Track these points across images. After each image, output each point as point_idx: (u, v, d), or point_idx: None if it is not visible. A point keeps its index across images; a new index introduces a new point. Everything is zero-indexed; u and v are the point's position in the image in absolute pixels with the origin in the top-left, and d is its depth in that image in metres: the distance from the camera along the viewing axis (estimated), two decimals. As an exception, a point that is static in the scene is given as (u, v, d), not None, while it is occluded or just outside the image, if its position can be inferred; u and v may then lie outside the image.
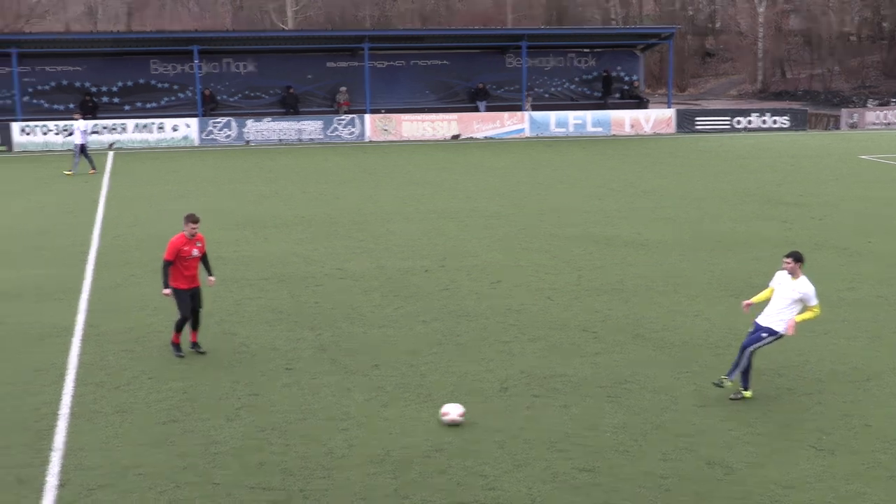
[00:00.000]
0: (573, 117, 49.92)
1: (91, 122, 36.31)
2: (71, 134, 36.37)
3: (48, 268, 19.56)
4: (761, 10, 79.80)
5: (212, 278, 14.20)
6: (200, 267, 13.98)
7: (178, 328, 13.78)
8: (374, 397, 12.11)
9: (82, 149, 35.35)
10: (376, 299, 16.84)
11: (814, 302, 11.75)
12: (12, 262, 20.14)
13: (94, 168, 35.18)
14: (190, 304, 13.68)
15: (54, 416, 11.58)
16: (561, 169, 35.25)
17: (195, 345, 13.97)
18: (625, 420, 11.29)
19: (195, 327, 13.97)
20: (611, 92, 52.46)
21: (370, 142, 47.41)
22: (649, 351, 13.91)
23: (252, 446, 10.63)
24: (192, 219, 13.79)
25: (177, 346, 13.80)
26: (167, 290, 13.66)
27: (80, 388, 12.51)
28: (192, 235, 13.73)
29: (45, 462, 10.27)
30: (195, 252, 13.75)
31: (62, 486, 9.72)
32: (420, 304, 16.50)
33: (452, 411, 11.22)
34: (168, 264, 13.58)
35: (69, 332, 15.04)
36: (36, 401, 12.09)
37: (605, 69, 52.81)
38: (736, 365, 11.85)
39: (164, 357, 13.72)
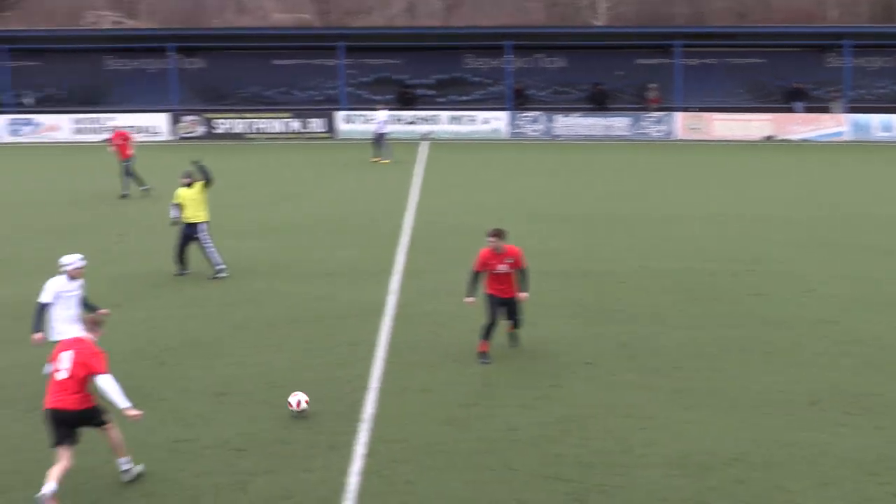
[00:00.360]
0: (900, 121, 46.73)
1: (386, 114, 37.86)
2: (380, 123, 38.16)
3: (364, 248, 20.60)
4: None
5: (523, 294, 13.40)
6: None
7: (484, 335, 13.29)
8: (675, 399, 11.86)
9: (379, 138, 37.04)
10: (680, 299, 16.49)
11: None
12: (332, 243, 21.37)
13: (380, 158, 36.64)
14: (498, 311, 13.26)
15: (364, 389, 12.16)
16: (883, 178, 33.08)
17: (512, 335, 13.81)
18: (950, 447, 10.43)
19: (516, 326, 13.76)
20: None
21: (679, 140, 46.53)
22: (980, 375, 12.77)
23: (550, 437, 10.69)
24: (490, 233, 13.19)
25: (483, 354, 13.26)
26: (469, 299, 13.35)
27: (389, 365, 13.08)
28: (498, 250, 13.14)
29: (354, 431, 10.80)
30: (502, 268, 13.14)
31: (369, 455, 10.18)
32: (726, 307, 15.99)
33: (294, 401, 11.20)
34: (476, 275, 13.28)
35: (381, 311, 15.75)
36: (349, 373, 12.75)
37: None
38: None
39: (469, 342, 14.04)
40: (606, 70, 50.00)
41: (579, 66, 50.38)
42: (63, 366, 9.28)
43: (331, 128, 47.28)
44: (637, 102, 49.78)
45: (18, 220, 24.62)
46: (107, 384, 9.23)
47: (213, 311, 15.81)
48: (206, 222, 18.34)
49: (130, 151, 28.65)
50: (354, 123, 47.23)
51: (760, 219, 24.21)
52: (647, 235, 22.03)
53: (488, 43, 50.14)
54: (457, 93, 50.68)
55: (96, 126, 47.47)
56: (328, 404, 11.59)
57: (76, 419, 9.25)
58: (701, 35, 52.44)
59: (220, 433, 10.72)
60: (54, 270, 12.12)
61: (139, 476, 9.63)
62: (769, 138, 46.39)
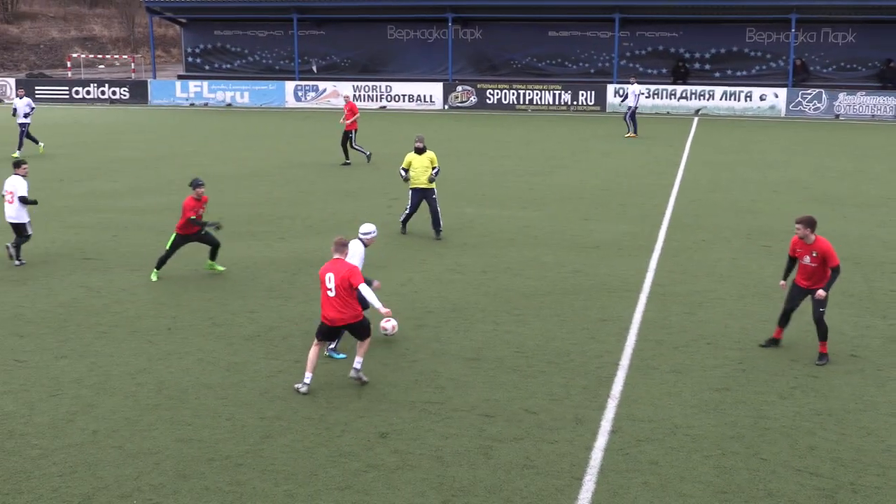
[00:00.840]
0: None
1: (639, 88, 37.12)
2: (625, 98, 37.53)
3: (625, 224, 20.45)
4: None
5: (820, 292, 12.32)
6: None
7: (779, 321, 12.86)
8: (947, 400, 11.10)
9: (632, 112, 36.41)
10: (962, 295, 15.36)
11: None
12: (594, 216, 21.35)
13: (634, 132, 36.04)
14: (795, 299, 12.67)
15: (614, 365, 12.12)
16: None
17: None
18: None
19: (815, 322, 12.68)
20: None
21: (977, 123, 43.11)
22: None
23: (804, 428, 10.28)
24: (797, 220, 12.58)
25: (822, 355, 12.37)
26: (781, 283, 12.97)
27: (640, 343, 12.96)
28: (806, 240, 12.39)
29: (601, 407, 10.80)
30: (807, 259, 12.45)
31: (614, 432, 10.16)
32: None
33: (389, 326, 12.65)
34: (790, 260, 12.72)
35: (637, 287, 15.62)
36: (599, 348, 12.74)
37: None
38: None
39: (724, 324, 13.73)
40: (900, 46, 46.97)
41: (869, 41, 47.57)
42: (330, 285, 11.08)
43: (601, 101, 47.03)
44: (933, 81, 46.49)
45: (305, 182, 26.11)
46: (364, 292, 11.01)
47: (473, 278, 16.19)
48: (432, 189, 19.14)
49: (355, 125, 29.67)
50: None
51: None
52: (932, 224, 20.64)
53: (773, 16, 48.17)
54: (734, 67, 49.08)
55: (374, 94, 49.45)
56: (577, 378, 11.64)
57: (342, 329, 11.43)
58: None
59: (469, 398, 11.01)
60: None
61: (363, 383, 11.36)
62: None
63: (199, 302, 14.81)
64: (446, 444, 9.83)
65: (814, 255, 12.44)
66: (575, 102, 47.24)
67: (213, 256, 16.48)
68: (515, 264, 17.05)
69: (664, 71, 49.28)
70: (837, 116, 44.77)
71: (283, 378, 11.54)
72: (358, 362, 11.36)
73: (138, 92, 53.12)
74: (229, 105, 51.40)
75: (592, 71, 50.47)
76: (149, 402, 10.85)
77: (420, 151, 19.05)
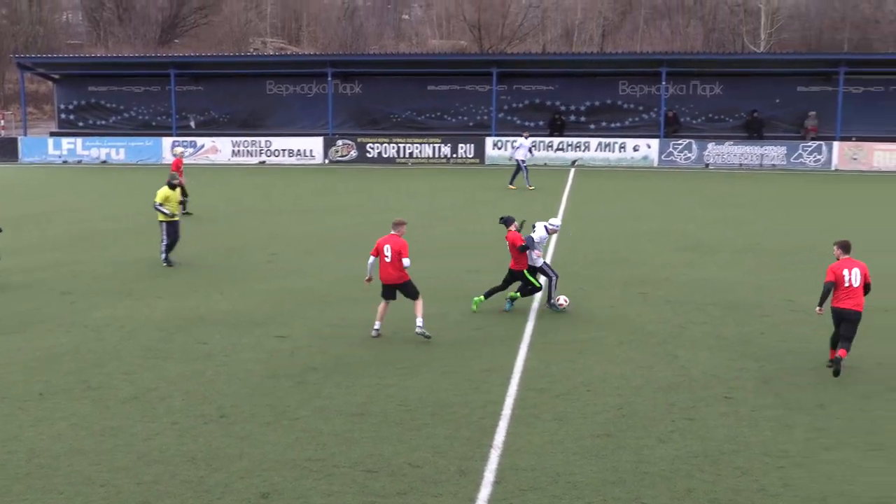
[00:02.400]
0: None
1: (528, 141, 38.02)
2: (517, 150, 38.29)
3: (503, 273, 20.62)
4: None
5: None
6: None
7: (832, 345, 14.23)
8: (816, 438, 11.46)
9: (522, 165, 37.20)
10: (826, 336, 15.91)
11: None
12: (483, 268, 21.52)
13: (515, 185, 36.79)
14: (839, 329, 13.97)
15: (497, 415, 12.18)
16: None
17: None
18: None
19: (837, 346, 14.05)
20: None
21: (836, 170, 45.09)
22: None
23: (683, 471, 10.48)
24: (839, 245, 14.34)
25: (832, 361, 13.90)
26: (819, 309, 14.09)
27: (522, 392, 13.07)
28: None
29: (484, 458, 10.82)
30: (848, 276, 13.87)
31: (498, 482, 10.19)
32: (877, 346, 15.36)
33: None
34: (828, 286, 13.90)
35: (518, 337, 15.78)
36: (483, 399, 12.80)
37: None
38: None
39: (604, 370, 13.96)
40: (764, 98, 48.96)
41: (735, 94, 49.48)
42: (387, 254, 15.26)
43: (480, 153, 47.68)
44: (794, 131, 48.51)
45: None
46: (407, 263, 15.25)
47: (357, 332, 16.11)
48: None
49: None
50: (503, 150, 47.48)
51: (921, 254, 23.20)
52: (798, 268, 21.41)
53: (644, 69, 49.77)
54: (608, 119, 50.40)
55: (253, 149, 49.19)
56: (461, 430, 11.66)
57: (397, 288, 15.54)
58: (868, 62, 50.78)
59: (352, 454, 10.91)
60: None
61: (427, 338, 15.29)
62: (936, 169, 44.46)
63: (73, 364, 14.38)
64: (329, 501, 9.71)
65: (856, 270, 14.01)
66: (455, 155, 47.79)
67: None
68: (400, 317, 17.04)
69: (541, 123, 50.29)
70: (707, 165, 46.28)
71: (160, 440, 11.26)
72: (419, 321, 15.34)
73: (8, 149, 51.66)
74: (104, 162, 50.42)
75: (471, 124, 51.17)
76: (19, 470, 10.45)
77: (173, 187, 21.74)
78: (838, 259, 14.15)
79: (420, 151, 48.15)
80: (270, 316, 17.23)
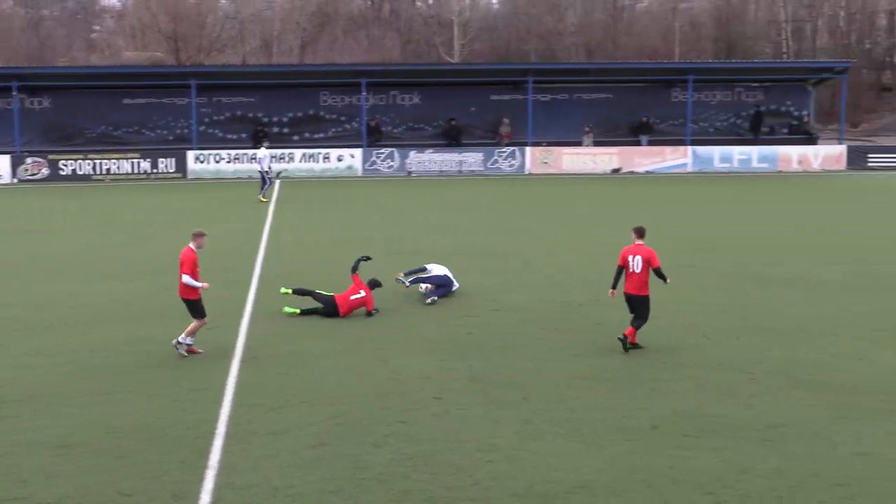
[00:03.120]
0: (738, 152, 48.90)
1: (268, 152, 37.78)
2: (261, 160, 37.67)
3: (216, 290, 20.18)
4: (944, 42, 76.39)
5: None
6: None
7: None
8: (523, 430, 12.02)
9: (263, 175, 36.89)
10: (530, 331, 16.77)
11: None
12: (171, 285, 20.94)
13: (264, 196, 36.56)
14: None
15: (211, 434, 11.92)
16: (723, 205, 34.47)
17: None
18: (779, 465, 10.85)
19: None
20: (761, 129, 51.11)
21: (530, 174, 47.50)
22: (808, 395, 13.36)
23: (399, 473, 10.69)
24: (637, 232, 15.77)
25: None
26: (612, 292, 15.71)
27: (236, 409, 12.87)
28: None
29: (200, 479, 10.56)
30: (632, 262, 15.48)
31: (215, 503, 9.98)
32: (573, 337, 16.33)
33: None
34: (618, 270, 15.58)
35: (230, 353, 15.52)
36: (195, 419, 12.49)
37: (756, 106, 51.58)
38: None
39: (319, 381, 14.00)
40: (461, 106, 50.76)
41: (433, 103, 51.01)
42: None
43: (182, 168, 46.57)
44: (490, 138, 50.64)
45: None
46: (185, 280, 15.15)
47: (58, 360, 15.29)
48: None
49: None
50: (206, 163, 46.63)
51: (607, 249, 24.81)
52: (501, 269, 22.36)
53: (344, 80, 50.37)
54: (311, 130, 50.58)
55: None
56: (172, 452, 11.32)
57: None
58: (552, 71, 53.91)
59: (57, 489, 10.35)
60: None
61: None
62: (616, 171, 47.79)
63: None
64: (34, 541, 9.16)
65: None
66: (155, 170, 46.37)
67: None
68: (104, 341, 16.34)
69: (244, 135, 49.74)
70: (409, 173, 47.46)
71: None
72: (182, 335, 15.28)
73: None
74: None
75: (171, 138, 49.81)
76: None
77: None
78: (633, 244, 15.61)
79: (118, 167, 46.34)
80: (-42, 348, 16.03)
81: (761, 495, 10.10)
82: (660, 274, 15.47)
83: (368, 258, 19.11)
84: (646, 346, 15.62)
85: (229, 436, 11.87)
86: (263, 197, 36.46)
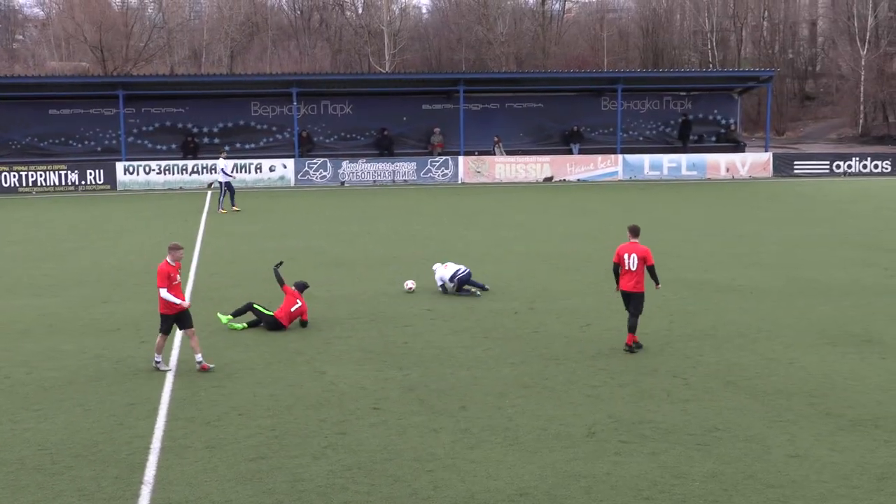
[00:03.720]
0: (667, 160, 49.58)
1: (226, 163, 37.59)
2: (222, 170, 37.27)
3: (147, 303, 19.97)
4: (864, 53, 78.33)
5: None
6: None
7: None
8: (461, 439, 12.05)
9: (228, 186, 36.60)
10: (465, 340, 16.82)
11: None
12: (114, 298, 20.67)
13: (235, 206, 36.42)
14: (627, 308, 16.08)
15: (146, 449, 11.76)
16: (654, 212, 34.92)
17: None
18: (714, 469, 11.02)
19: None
20: (689, 137, 51.90)
21: (463, 183, 47.66)
22: (741, 399, 13.59)
23: (338, 485, 10.63)
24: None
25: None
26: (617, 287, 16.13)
27: (171, 423, 12.71)
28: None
29: (135, 495, 10.41)
30: (627, 260, 15.78)
31: (151, 519, 9.85)
32: (509, 346, 16.42)
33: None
34: (614, 267, 15.97)
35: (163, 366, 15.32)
36: (129, 434, 12.30)
37: (684, 114, 52.36)
38: None
39: (254, 393, 13.88)
40: (392, 116, 50.75)
41: (365, 112, 50.92)
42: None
43: (111, 179, 45.88)
44: (423, 147, 50.71)
45: None
46: (161, 294, 14.70)
47: (-18, 376, 14.97)
48: None
49: None
50: (136, 174, 46.02)
51: (541, 257, 25.05)
52: (431, 278, 22.36)
53: (274, 90, 50.06)
54: (242, 140, 50.18)
55: None
56: (107, 468, 11.13)
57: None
58: (483, 81, 54.16)
59: (-13, 506, 10.14)
60: None
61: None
62: (548, 179, 48.17)
63: None
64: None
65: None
66: (83, 182, 45.62)
67: None
68: (32, 356, 16.02)
69: (174, 146, 49.18)
70: (343, 183, 47.32)
71: None
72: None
73: None
74: None
75: (99, 149, 49.04)
76: None
77: None
78: (628, 242, 15.98)
79: (45, 179, 45.49)
80: None
81: (697, 499, 10.24)
82: (653, 273, 15.90)
83: (281, 263, 19.04)
84: (573, 356, 15.78)
85: (165, 450, 11.71)
86: (235, 207, 36.29)
